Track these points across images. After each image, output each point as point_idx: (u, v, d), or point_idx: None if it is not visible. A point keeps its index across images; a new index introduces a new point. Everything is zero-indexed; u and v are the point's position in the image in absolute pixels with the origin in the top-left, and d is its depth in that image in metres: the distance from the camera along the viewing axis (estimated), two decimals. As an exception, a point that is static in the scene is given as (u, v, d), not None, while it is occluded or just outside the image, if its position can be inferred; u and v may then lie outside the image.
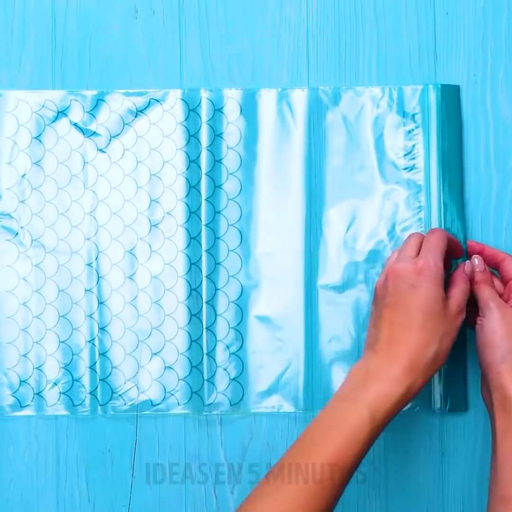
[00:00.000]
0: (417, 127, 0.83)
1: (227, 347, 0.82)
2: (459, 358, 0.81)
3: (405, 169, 0.83)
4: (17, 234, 0.82)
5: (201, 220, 0.82)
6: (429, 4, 0.84)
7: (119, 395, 0.82)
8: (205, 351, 0.82)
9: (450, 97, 0.83)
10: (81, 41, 0.83)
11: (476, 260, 0.79)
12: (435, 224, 0.81)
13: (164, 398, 0.82)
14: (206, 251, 0.82)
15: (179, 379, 0.82)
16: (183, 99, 0.83)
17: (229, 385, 0.82)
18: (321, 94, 0.83)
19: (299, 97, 0.83)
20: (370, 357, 0.72)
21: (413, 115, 0.83)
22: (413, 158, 0.83)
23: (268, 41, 0.84)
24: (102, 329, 0.82)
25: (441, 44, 0.84)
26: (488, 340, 0.74)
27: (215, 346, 0.82)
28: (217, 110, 0.83)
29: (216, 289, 0.82)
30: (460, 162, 0.83)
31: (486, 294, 0.76)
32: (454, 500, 0.82)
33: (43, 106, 0.83)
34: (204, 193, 0.82)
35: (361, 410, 0.68)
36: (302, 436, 0.69)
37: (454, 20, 0.84)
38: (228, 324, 0.82)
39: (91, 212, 0.83)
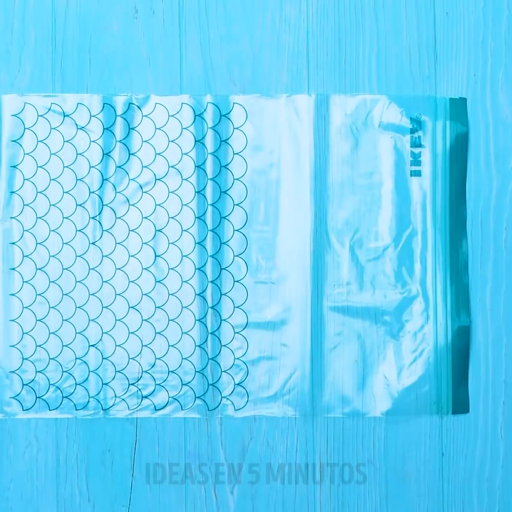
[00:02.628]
0: (424, 134, 0.83)
1: (232, 352, 0.82)
2: (461, 361, 0.81)
3: (411, 175, 0.83)
4: (21, 237, 0.82)
5: (206, 225, 0.82)
6: (429, 4, 0.84)
7: (123, 399, 0.82)
8: (209, 355, 0.82)
9: (459, 109, 0.83)
10: (81, 42, 0.83)
11: None
12: (439, 230, 0.82)
13: (167, 403, 0.82)
14: (211, 256, 0.82)
15: (183, 384, 0.82)
16: (188, 104, 0.83)
17: (233, 390, 0.82)
18: (328, 100, 0.83)
19: (306, 103, 0.83)
20: None
21: (420, 122, 0.83)
22: (420, 165, 0.83)
23: (268, 41, 0.84)
24: (106, 333, 0.82)
25: (441, 44, 0.84)
26: None
27: (220, 351, 0.82)
28: (223, 116, 0.83)
29: (221, 294, 0.82)
30: (465, 169, 0.83)
31: None
32: (454, 500, 0.82)
33: (49, 110, 0.83)
34: (209, 198, 0.82)
35: None
36: None
37: (454, 20, 0.84)
38: (233, 329, 0.82)
39: (96, 216, 0.83)
